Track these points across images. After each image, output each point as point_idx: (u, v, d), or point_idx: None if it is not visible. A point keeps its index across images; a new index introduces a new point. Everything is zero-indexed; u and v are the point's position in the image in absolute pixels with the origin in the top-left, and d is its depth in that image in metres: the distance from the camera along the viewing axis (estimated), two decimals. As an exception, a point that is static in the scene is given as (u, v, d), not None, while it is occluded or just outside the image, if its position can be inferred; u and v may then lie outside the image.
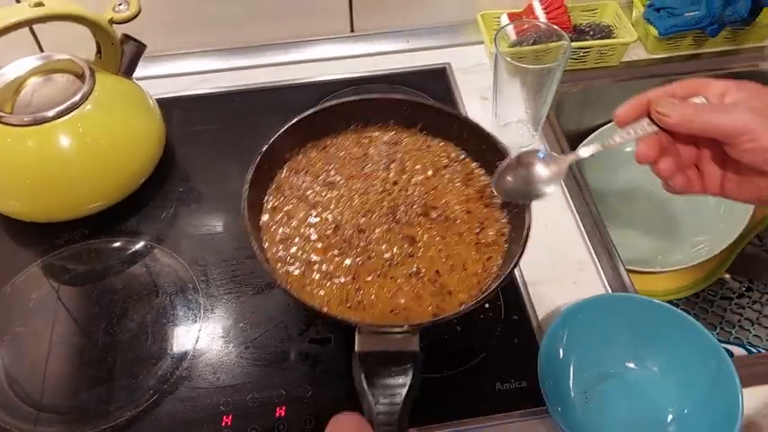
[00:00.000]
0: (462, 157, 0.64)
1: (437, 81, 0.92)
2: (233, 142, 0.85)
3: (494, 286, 0.53)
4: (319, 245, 0.58)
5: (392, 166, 0.64)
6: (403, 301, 0.54)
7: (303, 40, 0.96)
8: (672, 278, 0.86)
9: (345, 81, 0.92)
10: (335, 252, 0.57)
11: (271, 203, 0.61)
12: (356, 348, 0.50)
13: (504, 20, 0.91)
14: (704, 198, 0.89)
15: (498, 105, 0.82)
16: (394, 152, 0.65)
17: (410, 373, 0.48)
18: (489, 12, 0.93)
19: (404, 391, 0.47)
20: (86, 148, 0.71)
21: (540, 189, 0.54)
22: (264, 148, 0.60)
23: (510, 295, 0.68)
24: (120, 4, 0.73)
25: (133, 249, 0.74)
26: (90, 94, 0.72)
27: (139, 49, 0.78)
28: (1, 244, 0.75)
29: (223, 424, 0.59)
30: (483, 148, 0.62)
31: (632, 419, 0.59)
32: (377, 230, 0.59)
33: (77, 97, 0.71)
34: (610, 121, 0.95)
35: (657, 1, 0.92)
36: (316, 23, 0.96)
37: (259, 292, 0.69)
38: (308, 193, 0.62)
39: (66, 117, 0.70)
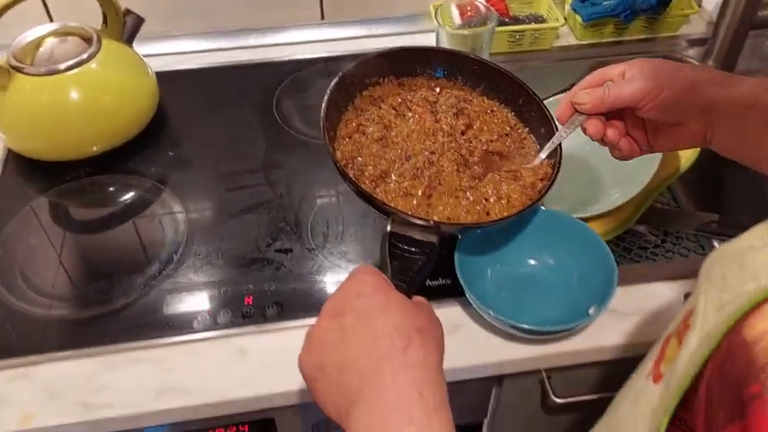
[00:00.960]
0: (518, 127, 0.76)
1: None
2: (216, 106, 0.99)
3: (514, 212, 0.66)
4: (384, 161, 0.69)
5: (460, 118, 0.74)
6: (449, 212, 0.67)
7: (279, 26, 1.11)
8: (594, 225, 1.00)
9: (315, 60, 1.07)
10: (402, 170, 0.68)
11: (346, 119, 0.72)
12: (388, 229, 0.60)
13: (454, 8, 1.07)
14: (621, 167, 1.03)
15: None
16: (462, 107, 0.75)
17: (425, 256, 0.59)
18: (441, 3, 1.09)
19: (418, 265, 0.58)
20: (90, 98, 0.85)
21: None
22: (350, 67, 0.71)
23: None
24: (124, -19, 0.88)
25: (129, 183, 0.87)
26: (96, 54, 0.86)
27: (139, 21, 0.92)
28: (18, 178, 0.88)
29: (199, 309, 0.72)
30: (533, 115, 0.75)
31: (537, 303, 0.72)
32: (444, 164, 0.70)
33: (85, 56, 0.85)
34: (546, 99, 1.10)
35: (582, -7, 1.08)
36: (291, 12, 1.11)
37: (233, 216, 0.83)
38: (384, 117, 0.72)
39: (75, 71, 0.84)
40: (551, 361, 0.71)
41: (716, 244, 1.02)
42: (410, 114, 0.73)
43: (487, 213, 0.67)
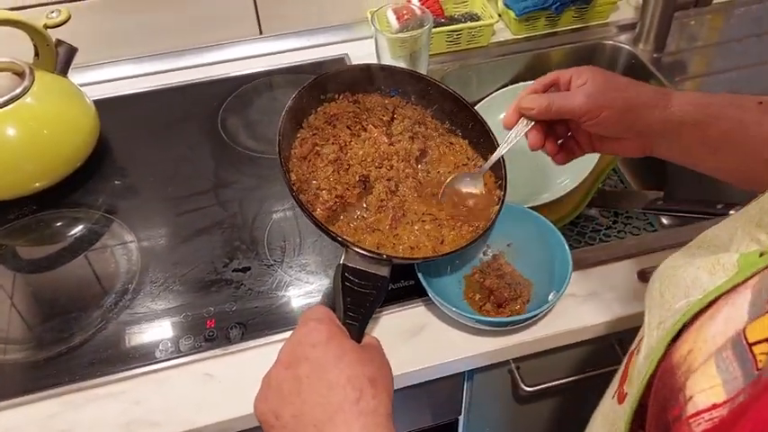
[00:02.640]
0: (475, 158, 0.77)
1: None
2: (160, 130, 0.98)
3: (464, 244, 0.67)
4: (339, 186, 0.69)
5: (415, 142, 0.75)
6: (411, 241, 0.68)
7: (217, 44, 1.10)
8: (547, 213, 1.02)
9: (257, 74, 1.07)
10: (366, 203, 0.69)
11: (301, 136, 0.71)
12: (341, 261, 0.61)
13: (390, 12, 1.08)
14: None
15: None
16: (417, 131, 0.76)
17: (376, 290, 0.61)
18: (378, 9, 1.09)
19: (369, 300, 0.60)
20: (28, 133, 0.83)
21: None
22: (305, 84, 0.70)
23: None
24: (52, 12, 0.87)
25: (77, 216, 0.85)
26: (30, 88, 0.84)
27: (72, 51, 0.91)
28: (-42, 223, 0.85)
29: (161, 338, 0.71)
30: (481, 141, 0.77)
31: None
32: (405, 192, 0.71)
33: (18, 90, 0.83)
34: (488, 95, 1.11)
35: (513, -11, 1.10)
36: (229, 30, 1.10)
37: (187, 240, 0.82)
38: (338, 137, 0.72)
39: (9, 107, 0.82)
40: (518, 351, 0.72)
41: (664, 220, 1.06)
42: (365, 135, 0.73)
43: (442, 242, 0.69)
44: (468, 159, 0.77)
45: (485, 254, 0.78)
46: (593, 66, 0.64)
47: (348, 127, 0.73)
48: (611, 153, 0.67)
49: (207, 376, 0.68)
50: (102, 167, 0.92)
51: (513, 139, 0.67)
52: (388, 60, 0.96)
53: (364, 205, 0.69)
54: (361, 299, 0.60)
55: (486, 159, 0.75)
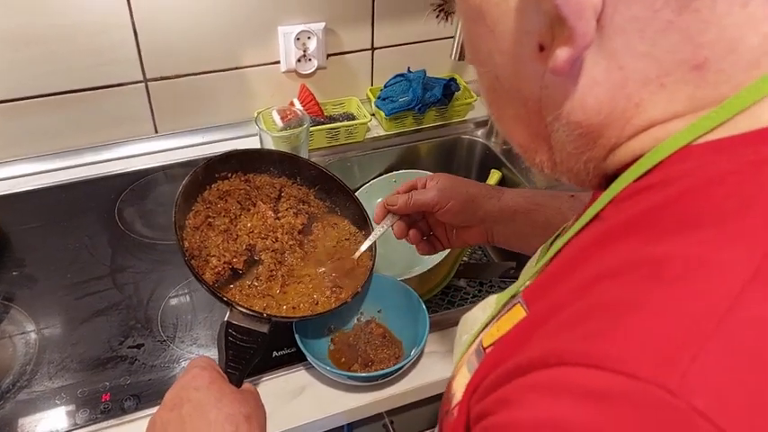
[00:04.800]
0: (356, 234, 0.90)
1: (228, 163, 1.20)
2: (58, 223, 1.04)
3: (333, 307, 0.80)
4: (228, 253, 0.79)
5: (299, 217, 0.87)
6: (295, 301, 0.79)
7: (115, 142, 1.19)
8: (420, 284, 1.15)
9: (153, 169, 1.16)
10: (242, 262, 0.80)
11: (196, 209, 0.81)
12: (225, 319, 0.71)
13: (275, 113, 1.22)
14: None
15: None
16: (301, 209, 0.88)
17: (256, 345, 0.71)
18: (263, 109, 1.23)
19: (249, 354, 0.70)
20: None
21: None
22: (201, 164, 0.81)
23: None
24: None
25: (-27, 306, 0.90)
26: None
27: (-28, 151, 0.97)
28: None
29: (57, 412, 0.76)
30: (356, 218, 0.90)
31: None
32: (291, 261, 0.83)
33: None
34: (364, 184, 1.26)
35: (383, 93, 1.28)
36: (126, 128, 1.20)
37: (85, 322, 0.88)
38: (230, 210, 0.83)
39: None
40: (389, 403, 0.83)
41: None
42: (254, 209, 0.85)
43: (317, 304, 0.80)
44: (351, 235, 0.90)
45: (359, 319, 0.89)
46: (444, 173, 0.81)
47: (239, 202, 0.85)
48: (463, 244, 0.82)
49: (102, 446, 0.74)
50: (1, 259, 0.97)
51: (380, 231, 0.82)
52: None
53: (255, 274, 0.80)
54: (242, 352, 0.69)
55: (363, 235, 0.89)
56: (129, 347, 0.84)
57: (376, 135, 1.29)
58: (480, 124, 1.33)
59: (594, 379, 0.27)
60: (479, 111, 1.36)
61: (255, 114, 1.19)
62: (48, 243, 1.01)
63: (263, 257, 0.82)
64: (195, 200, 0.82)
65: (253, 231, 0.83)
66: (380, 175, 1.27)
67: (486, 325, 0.46)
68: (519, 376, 0.30)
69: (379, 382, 0.81)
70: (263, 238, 0.83)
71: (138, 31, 1.10)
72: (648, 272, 0.30)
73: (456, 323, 0.93)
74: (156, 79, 1.16)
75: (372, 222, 0.86)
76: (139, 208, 1.08)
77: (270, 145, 1.07)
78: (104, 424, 0.75)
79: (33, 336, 0.85)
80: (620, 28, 0.33)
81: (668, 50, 0.33)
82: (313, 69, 1.25)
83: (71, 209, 1.08)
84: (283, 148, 1.08)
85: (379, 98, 1.28)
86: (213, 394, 0.60)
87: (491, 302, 0.49)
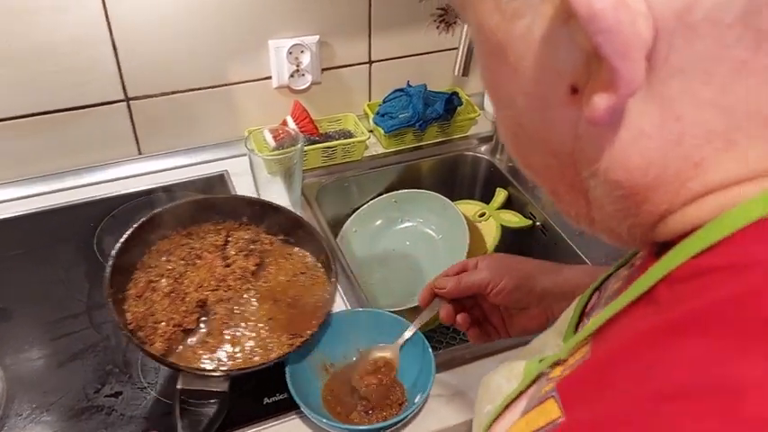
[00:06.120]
0: (315, 267, 0.83)
1: (219, 185, 1.12)
2: (34, 253, 0.97)
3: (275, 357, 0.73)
4: (177, 315, 0.73)
5: (250, 258, 0.81)
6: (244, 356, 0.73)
7: (96, 165, 1.12)
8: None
9: (137, 194, 1.09)
10: (194, 320, 0.74)
11: (136, 277, 0.76)
12: (178, 386, 0.65)
13: (267, 133, 1.14)
14: (438, 256, 1.13)
15: (261, 194, 1.03)
16: (252, 249, 0.82)
17: (216, 407, 0.65)
18: (254, 128, 1.16)
19: (208, 419, 0.64)
20: None
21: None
22: (131, 230, 0.76)
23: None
24: None
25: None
26: None
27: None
28: None
29: (26, 473, 0.69)
30: (309, 242, 0.84)
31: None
32: (244, 307, 0.76)
33: None
34: (363, 205, 1.19)
35: (381, 109, 1.20)
36: (108, 150, 1.13)
37: (59, 366, 0.80)
38: (174, 270, 0.77)
39: None
40: (391, 455, 0.75)
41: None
42: (200, 262, 0.78)
43: (271, 350, 0.74)
44: (307, 269, 0.83)
45: (357, 358, 0.82)
46: (496, 253, 0.73)
47: (182, 258, 0.79)
48: (522, 331, 0.73)
49: None
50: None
51: (426, 317, 0.76)
52: (264, 177, 1.01)
53: (208, 330, 0.74)
54: (200, 417, 0.63)
55: (320, 263, 0.83)
56: (105, 396, 0.77)
57: (374, 153, 1.22)
58: (484, 140, 1.26)
59: None
60: (483, 126, 1.29)
61: (246, 134, 1.12)
62: (23, 275, 0.94)
63: (216, 310, 0.76)
64: (135, 267, 0.77)
65: (202, 285, 0.77)
66: (380, 194, 1.20)
67: (513, 400, 0.39)
68: None
69: (383, 432, 0.74)
70: (213, 290, 0.77)
71: (117, 47, 1.03)
72: (726, 403, 0.23)
73: (463, 362, 0.86)
74: (138, 98, 1.09)
75: (327, 247, 0.81)
76: (119, 237, 1.00)
77: (261, 167, 1.00)
78: (77, 486, 0.68)
79: (1, 384, 0.78)
80: (677, 69, 0.27)
81: (741, 98, 0.27)
82: (307, 85, 1.18)
83: (49, 238, 1.00)
84: (276, 170, 1.01)
85: (377, 114, 1.21)
86: None
87: (517, 372, 0.42)
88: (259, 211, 0.85)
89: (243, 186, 1.10)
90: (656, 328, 0.28)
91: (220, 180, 1.13)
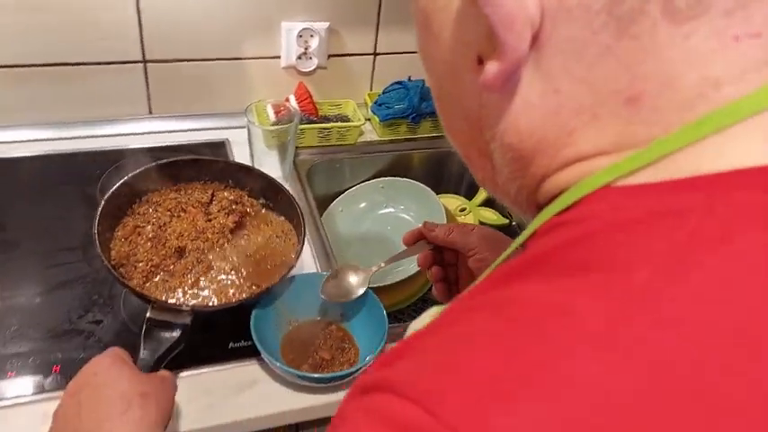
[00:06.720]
0: (290, 232, 0.91)
1: (219, 150, 1.20)
2: (42, 192, 1.05)
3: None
4: (156, 257, 0.82)
5: (230, 216, 0.89)
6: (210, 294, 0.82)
7: (108, 119, 1.20)
8: (394, 294, 1.14)
9: (141, 150, 1.17)
10: (170, 263, 0.83)
11: (124, 221, 0.85)
12: (147, 315, 0.74)
13: (269, 107, 1.22)
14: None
15: (256, 165, 1.10)
16: (233, 208, 0.90)
17: (176, 337, 0.73)
18: (259, 102, 1.24)
19: (168, 345, 0.72)
20: None
21: (354, 292, 0.84)
22: (127, 178, 0.85)
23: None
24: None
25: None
26: None
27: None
28: None
29: (8, 375, 0.77)
30: (287, 209, 0.92)
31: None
32: (211, 257, 0.85)
33: None
34: (352, 187, 1.26)
35: (379, 99, 1.28)
36: (120, 107, 1.20)
37: (49, 291, 0.88)
38: (159, 219, 0.86)
39: None
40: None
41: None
42: (184, 215, 0.88)
43: (233, 294, 0.83)
44: (283, 233, 0.91)
45: (320, 319, 0.89)
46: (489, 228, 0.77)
47: (169, 210, 0.88)
48: None
49: (45, 416, 0.73)
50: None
51: (403, 255, 0.79)
52: (260, 148, 1.09)
53: (180, 270, 0.83)
54: (159, 344, 0.72)
55: (294, 227, 0.91)
56: (88, 322, 0.85)
57: (369, 140, 1.29)
58: (475, 140, 1.32)
59: (408, 412, 0.26)
60: (476, 127, 1.35)
61: (252, 106, 1.19)
62: (31, 210, 1.02)
63: (191, 257, 0.84)
64: (125, 213, 0.86)
65: (182, 235, 0.86)
66: (369, 179, 1.27)
67: None
68: (361, 394, 0.30)
69: (332, 384, 0.81)
70: (192, 240, 0.86)
71: (141, 10, 1.11)
72: (498, 310, 0.29)
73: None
74: (155, 61, 1.17)
75: (301, 212, 0.89)
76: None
77: (258, 138, 1.08)
78: (52, 395, 0.75)
79: (-5, 300, 0.86)
80: (558, 48, 0.31)
81: (604, 78, 0.31)
82: (313, 68, 1.25)
83: (57, 179, 1.08)
84: (272, 142, 1.09)
85: (375, 103, 1.28)
86: (111, 376, 0.61)
87: (433, 312, 0.49)
88: (244, 176, 0.94)
89: (240, 155, 1.18)
90: (509, 267, 0.34)
91: (221, 146, 1.21)
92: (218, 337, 0.85)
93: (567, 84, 0.32)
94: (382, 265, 0.84)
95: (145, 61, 1.17)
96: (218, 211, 0.89)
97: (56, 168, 1.11)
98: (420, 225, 0.76)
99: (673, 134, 0.30)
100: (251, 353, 0.83)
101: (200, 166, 0.92)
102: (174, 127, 1.23)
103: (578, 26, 0.30)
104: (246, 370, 0.82)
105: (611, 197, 0.32)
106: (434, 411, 0.25)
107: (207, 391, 0.79)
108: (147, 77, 1.19)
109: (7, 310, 0.85)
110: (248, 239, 0.89)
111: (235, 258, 0.86)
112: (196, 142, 1.21)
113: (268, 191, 0.93)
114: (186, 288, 0.81)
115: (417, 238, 0.77)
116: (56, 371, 0.78)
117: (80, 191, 1.06)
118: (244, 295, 0.82)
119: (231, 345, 0.84)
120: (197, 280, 0.82)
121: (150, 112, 1.23)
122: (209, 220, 0.88)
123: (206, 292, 0.82)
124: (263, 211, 0.94)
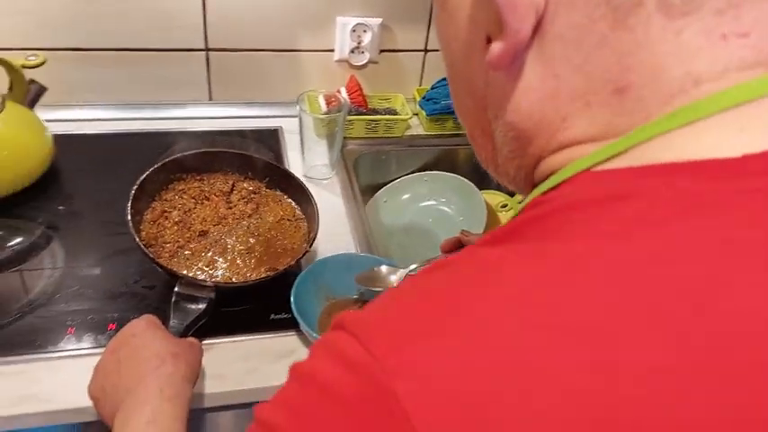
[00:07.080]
0: (298, 217, 0.99)
1: (272, 138, 1.26)
2: (107, 167, 1.13)
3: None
4: (181, 239, 0.91)
5: (249, 204, 0.98)
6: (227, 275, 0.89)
7: (171, 103, 1.28)
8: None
9: (201, 133, 1.24)
10: (195, 248, 0.91)
11: (153, 206, 0.94)
12: (175, 289, 0.81)
13: (321, 97, 1.27)
14: (453, 225, 1.23)
15: (306, 153, 1.15)
16: (252, 198, 0.99)
17: (203, 309, 0.80)
18: (311, 92, 1.29)
19: (195, 316, 0.79)
20: (-10, 151, 0.98)
21: (387, 284, 0.90)
22: (155, 167, 0.94)
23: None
24: (31, 56, 1.03)
25: (17, 227, 0.99)
26: (-1, 113, 0.99)
27: (41, 90, 1.07)
28: None
29: (67, 332, 0.84)
30: (298, 195, 0.99)
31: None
32: (228, 240, 0.93)
33: (-12, 115, 0.98)
34: (396, 179, 1.30)
35: (428, 94, 1.31)
36: (183, 92, 1.28)
37: (109, 257, 0.95)
38: (185, 205, 0.95)
39: (-22, 127, 0.97)
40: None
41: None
42: (207, 203, 0.96)
43: (249, 275, 0.90)
44: (294, 217, 0.98)
45: (357, 297, 0.93)
46: None
47: (193, 198, 0.97)
48: None
49: (99, 368, 0.81)
50: (47, 190, 1.06)
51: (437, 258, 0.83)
52: (310, 137, 1.14)
53: (201, 251, 0.91)
54: (187, 314, 0.79)
55: (305, 213, 0.99)
56: (142, 287, 0.91)
57: (415, 133, 1.33)
58: (520, 139, 1.35)
59: (351, 347, 0.30)
60: (522, 126, 1.37)
61: (304, 96, 1.25)
62: (95, 184, 1.09)
63: (213, 240, 0.93)
64: (153, 198, 0.95)
65: (206, 220, 0.94)
66: (414, 172, 1.31)
67: None
68: (330, 330, 0.34)
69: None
70: (215, 225, 0.94)
71: (206, 2, 1.18)
72: (449, 266, 0.32)
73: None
74: (216, 50, 1.24)
75: (315, 201, 0.95)
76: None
77: (309, 126, 1.13)
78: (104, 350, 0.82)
79: (60, 263, 0.94)
80: (559, 34, 0.32)
81: (598, 67, 0.32)
82: (365, 62, 1.30)
83: (121, 157, 1.16)
84: (322, 131, 1.14)
85: (423, 98, 1.32)
86: (147, 337, 0.68)
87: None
88: (264, 169, 1.02)
89: (292, 143, 1.24)
90: (478, 241, 0.35)
91: (274, 134, 1.27)
92: (260, 309, 0.90)
93: (565, 70, 0.33)
94: (418, 266, 0.89)
95: (207, 50, 1.24)
96: (238, 200, 0.98)
97: (121, 146, 1.19)
98: (458, 232, 0.81)
99: (648, 125, 0.32)
100: (290, 324, 0.88)
101: (222, 158, 1.01)
102: (231, 113, 1.30)
103: (579, 14, 0.32)
104: (285, 340, 0.87)
105: (584, 181, 0.34)
106: (366, 345, 0.30)
107: (247, 356, 0.84)
108: (208, 65, 1.26)
109: (71, 273, 0.92)
110: (262, 217, 0.97)
111: (251, 241, 0.94)
112: (252, 128, 1.27)
113: (284, 181, 1.01)
114: (207, 266, 0.89)
115: (456, 246, 0.80)
116: (111, 328, 0.85)
117: (141, 168, 1.13)
118: (261, 275, 0.89)
119: (273, 316, 0.90)
120: (216, 260, 0.91)
121: (210, 98, 1.30)
122: (230, 208, 0.97)
123: (225, 271, 0.90)
124: (280, 199, 1.01)
